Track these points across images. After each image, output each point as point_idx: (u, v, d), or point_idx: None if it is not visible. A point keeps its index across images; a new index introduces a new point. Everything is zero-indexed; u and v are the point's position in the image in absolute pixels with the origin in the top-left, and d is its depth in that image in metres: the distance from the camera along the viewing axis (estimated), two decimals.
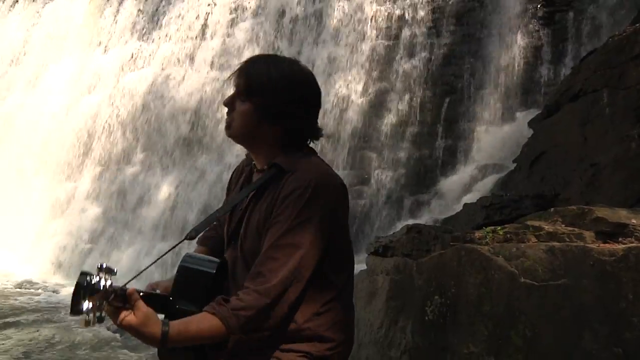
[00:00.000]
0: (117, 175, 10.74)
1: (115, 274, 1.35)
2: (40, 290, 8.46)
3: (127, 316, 1.36)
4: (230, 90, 1.69)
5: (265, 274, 1.46)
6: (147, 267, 1.58)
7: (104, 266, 1.35)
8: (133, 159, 10.80)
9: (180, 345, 1.44)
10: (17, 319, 6.67)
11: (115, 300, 1.36)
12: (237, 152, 9.39)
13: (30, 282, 8.82)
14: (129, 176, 10.56)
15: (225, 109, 1.68)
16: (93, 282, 1.32)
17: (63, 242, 10.06)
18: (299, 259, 1.47)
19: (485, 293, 3.01)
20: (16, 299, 7.76)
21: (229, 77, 1.68)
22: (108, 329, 6.29)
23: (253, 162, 1.72)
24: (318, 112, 1.68)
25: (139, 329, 1.37)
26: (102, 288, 1.32)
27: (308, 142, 1.68)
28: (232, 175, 1.87)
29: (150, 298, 1.47)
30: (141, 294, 1.42)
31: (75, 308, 1.31)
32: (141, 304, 1.38)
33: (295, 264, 1.47)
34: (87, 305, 1.31)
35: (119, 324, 1.37)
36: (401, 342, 3.47)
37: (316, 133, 1.67)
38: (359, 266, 3.94)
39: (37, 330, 6.21)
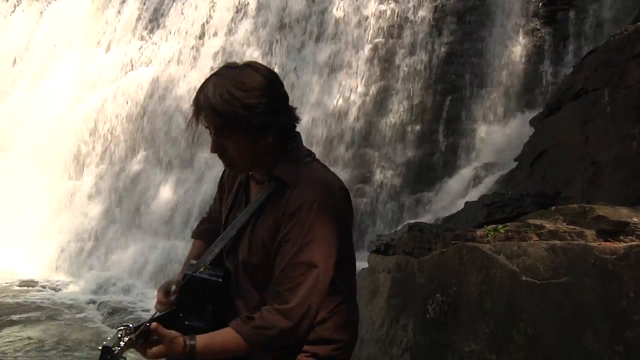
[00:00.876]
0: (119, 173, 10.76)
1: (133, 331, 1.38)
2: (42, 289, 8.48)
3: (155, 348, 1.43)
4: None
5: (285, 295, 1.49)
6: (150, 319, 1.56)
7: (122, 329, 1.39)
8: (135, 158, 10.82)
9: (207, 358, 1.49)
10: (19, 317, 6.69)
11: (142, 342, 1.41)
12: None
13: (32, 281, 8.85)
14: (131, 175, 10.58)
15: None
16: (115, 353, 1.34)
17: (65, 240, 10.08)
18: (316, 277, 1.50)
19: (486, 291, 3.02)
20: (18, 297, 7.78)
21: (189, 122, 1.61)
22: (112, 327, 6.33)
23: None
24: (287, 101, 1.61)
25: (170, 353, 1.45)
26: (122, 347, 1.35)
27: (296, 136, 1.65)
28: (223, 174, 1.84)
29: (161, 318, 1.52)
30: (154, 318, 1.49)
31: None
32: (165, 332, 1.44)
33: (312, 283, 1.50)
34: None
35: (150, 356, 1.45)
36: (403, 340, 3.48)
37: (296, 119, 1.63)
38: (361, 264, 3.95)
39: (39, 329, 6.24)
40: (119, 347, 1.34)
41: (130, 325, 1.39)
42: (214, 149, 1.60)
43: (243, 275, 1.63)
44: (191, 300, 1.56)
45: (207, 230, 1.87)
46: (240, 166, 1.63)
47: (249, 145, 1.55)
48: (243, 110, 1.49)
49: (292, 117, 1.61)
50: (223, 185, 1.83)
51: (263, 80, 1.54)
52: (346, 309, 1.64)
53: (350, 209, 1.63)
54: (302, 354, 1.57)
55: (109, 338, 1.37)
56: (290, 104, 1.63)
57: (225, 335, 1.49)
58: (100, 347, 1.35)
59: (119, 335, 1.36)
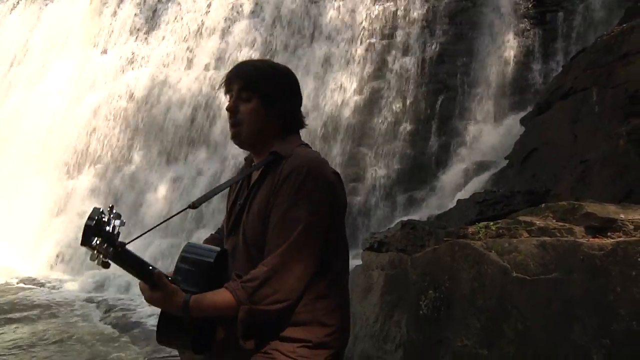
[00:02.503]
0: (117, 173, 10.77)
1: (123, 224, 1.42)
2: (40, 287, 8.48)
3: (154, 292, 1.52)
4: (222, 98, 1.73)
5: (272, 250, 1.55)
6: (154, 227, 1.70)
7: (114, 211, 1.42)
8: (132, 157, 10.83)
9: (200, 315, 1.54)
10: (19, 314, 6.69)
11: (128, 267, 1.47)
12: (234, 149, 9.43)
13: (31, 279, 8.85)
14: (128, 174, 10.60)
15: (224, 111, 1.73)
16: (104, 221, 1.38)
17: (64, 238, 10.07)
18: (302, 231, 1.53)
19: (478, 287, 3.07)
20: (18, 295, 7.77)
21: (217, 88, 1.78)
22: (115, 326, 6.35)
23: (253, 163, 1.77)
24: (301, 101, 1.78)
25: (167, 300, 1.52)
26: (110, 231, 1.39)
27: (299, 132, 1.76)
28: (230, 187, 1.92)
29: None
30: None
31: (85, 239, 1.37)
32: (166, 281, 1.53)
33: (297, 236, 1.53)
34: (95, 241, 1.37)
35: (147, 298, 1.54)
36: (396, 335, 3.52)
37: (303, 121, 1.77)
38: (355, 262, 3.99)
39: (39, 326, 6.24)
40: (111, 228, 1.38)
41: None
42: (230, 107, 1.69)
43: (241, 252, 1.66)
44: (185, 276, 1.61)
45: (216, 238, 1.94)
46: (245, 132, 1.69)
47: (262, 115, 1.67)
48: (272, 83, 1.68)
49: (301, 116, 1.76)
50: (229, 192, 1.90)
51: (292, 76, 1.76)
52: (338, 291, 1.67)
53: (342, 190, 1.67)
54: (293, 344, 1.57)
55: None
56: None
57: (217, 293, 1.54)
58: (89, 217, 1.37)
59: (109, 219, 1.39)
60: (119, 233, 1.40)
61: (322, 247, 1.58)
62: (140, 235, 1.62)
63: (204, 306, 1.53)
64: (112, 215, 1.40)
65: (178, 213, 1.76)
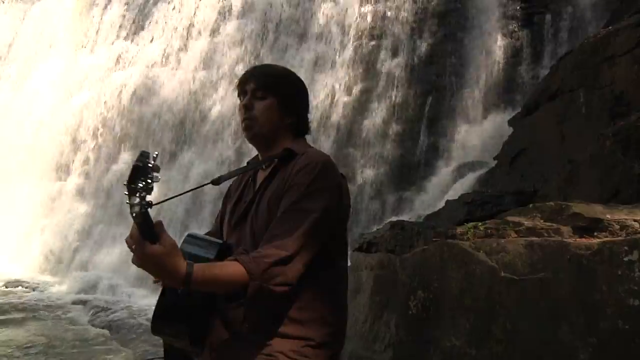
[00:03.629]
0: (105, 173, 10.70)
1: (158, 179, 1.31)
2: (28, 289, 8.42)
3: (153, 246, 1.33)
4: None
5: (280, 235, 1.51)
6: (171, 198, 1.63)
7: (157, 161, 1.32)
8: (120, 158, 10.76)
9: (202, 287, 1.42)
10: (5, 317, 6.65)
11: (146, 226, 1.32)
12: (222, 150, 9.41)
13: (18, 281, 8.77)
14: (116, 174, 10.52)
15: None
16: (150, 167, 1.29)
17: (51, 240, 10.00)
18: (313, 222, 1.53)
19: (466, 287, 3.08)
20: (4, 298, 7.71)
21: (234, 89, 1.79)
22: (103, 327, 6.30)
23: (259, 167, 1.78)
24: (309, 107, 1.83)
25: (165, 258, 1.33)
26: (150, 182, 1.29)
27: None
28: (230, 186, 1.91)
29: None
30: None
31: (133, 180, 1.27)
32: (167, 236, 1.35)
33: (309, 227, 1.52)
34: (140, 183, 1.28)
35: (144, 252, 1.33)
36: (385, 336, 3.53)
37: (309, 126, 1.83)
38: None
39: (25, 329, 6.19)
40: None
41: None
42: (246, 103, 1.70)
43: (247, 243, 1.65)
44: None
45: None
46: (258, 126, 1.70)
47: (275, 114, 1.71)
48: (287, 85, 1.74)
49: (308, 121, 1.81)
50: (229, 195, 1.90)
51: (303, 81, 1.81)
52: (343, 290, 1.68)
53: (347, 192, 1.70)
54: (298, 342, 1.54)
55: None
56: None
57: (225, 264, 1.46)
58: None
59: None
60: (152, 188, 1.29)
61: (328, 243, 1.58)
62: (166, 200, 1.56)
63: (209, 276, 1.41)
64: (154, 165, 1.30)
65: (202, 186, 1.77)
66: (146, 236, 1.33)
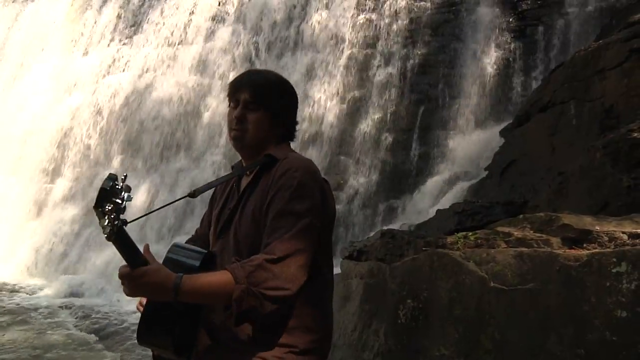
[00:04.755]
0: (95, 177, 10.63)
1: (130, 199, 1.35)
2: (14, 293, 8.32)
3: (140, 268, 1.40)
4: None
5: (271, 242, 1.52)
6: (153, 212, 1.71)
7: (126, 182, 1.36)
8: (111, 162, 10.71)
9: (191, 299, 1.45)
10: None
11: (123, 245, 1.37)
12: (214, 156, 9.39)
13: (4, 284, 8.68)
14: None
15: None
16: (117, 188, 1.32)
17: (39, 243, 9.91)
18: (303, 226, 1.54)
19: (456, 297, 3.08)
20: None
21: (227, 96, 1.77)
22: (90, 332, 6.23)
23: (244, 172, 1.77)
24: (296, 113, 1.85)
25: (156, 274, 1.41)
26: (120, 202, 1.32)
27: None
28: (215, 190, 1.92)
29: None
30: None
31: (99, 203, 1.31)
32: (153, 258, 1.45)
33: (298, 231, 1.53)
34: (108, 206, 1.31)
35: (135, 274, 1.40)
36: (374, 344, 3.52)
37: (295, 132, 1.84)
38: (334, 270, 3.98)
39: (11, 332, 6.12)
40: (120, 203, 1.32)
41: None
42: (239, 115, 1.71)
43: (230, 252, 1.65)
44: None
45: (193, 242, 1.92)
46: (249, 138, 1.71)
47: (266, 124, 1.72)
48: (279, 98, 1.74)
49: (294, 128, 1.82)
50: (215, 199, 1.91)
51: (293, 88, 1.83)
52: (327, 298, 1.68)
53: (332, 197, 1.70)
54: (281, 349, 1.54)
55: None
56: None
57: (212, 274, 1.49)
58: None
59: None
60: (125, 207, 1.34)
61: (315, 248, 1.57)
62: (143, 216, 1.60)
63: (198, 285, 1.44)
64: (123, 186, 1.34)
65: (178, 200, 1.80)
66: (131, 261, 1.39)
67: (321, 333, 1.63)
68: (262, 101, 1.71)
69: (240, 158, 1.81)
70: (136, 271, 1.39)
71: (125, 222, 1.34)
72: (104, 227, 1.32)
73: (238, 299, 1.44)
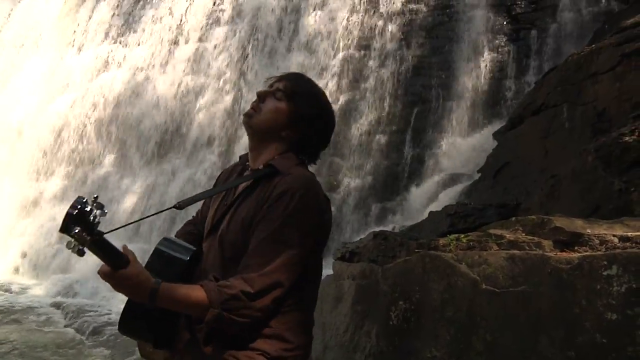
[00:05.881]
0: (88, 176, 10.58)
1: (105, 214, 1.40)
2: (4, 292, 8.26)
3: (121, 271, 1.43)
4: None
5: (252, 267, 1.52)
6: (131, 224, 1.71)
7: (98, 201, 1.40)
8: (104, 161, 10.67)
9: (165, 306, 1.49)
10: None
11: (103, 256, 1.41)
12: (207, 155, 9.36)
13: None
14: (99, 177, 10.42)
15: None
16: (86, 210, 1.36)
17: (30, 242, 9.85)
18: (288, 257, 1.53)
19: (448, 299, 3.09)
20: None
21: (268, 79, 1.76)
22: (80, 331, 6.20)
23: (247, 163, 1.76)
24: (327, 144, 1.79)
25: (134, 278, 1.44)
26: (91, 220, 1.36)
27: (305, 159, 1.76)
28: (219, 175, 1.92)
29: None
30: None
31: (65, 227, 1.34)
32: (136, 260, 1.46)
33: (283, 262, 1.52)
34: (76, 229, 1.34)
35: (115, 275, 1.43)
36: (366, 346, 3.52)
37: (316, 157, 1.78)
38: (326, 271, 3.98)
39: (3, 331, 6.07)
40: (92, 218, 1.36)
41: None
42: (261, 93, 1.70)
43: (215, 254, 1.65)
44: (157, 270, 1.57)
45: (190, 233, 1.90)
46: (257, 120, 1.68)
47: (282, 118, 1.67)
48: (312, 106, 1.70)
49: (316, 153, 1.76)
50: (217, 185, 1.89)
51: (334, 121, 1.80)
52: (304, 309, 1.66)
53: (330, 215, 1.67)
54: (252, 351, 1.55)
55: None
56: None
57: (190, 288, 1.50)
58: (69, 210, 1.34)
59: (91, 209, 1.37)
60: (99, 222, 1.38)
61: (297, 275, 1.57)
62: (121, 227, 1.61)
63: (174, 296, 1.48)
64: (94, 205, 1.38)
65: (162, 211, 1.78)
66: (114, 264, 1.44)
67: (296, 344, 1.61)
68: (290, 95, 1.67)
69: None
70: (117, 273, 1.43)
71: (102, 233, 1.39)
72: (72, 248, 1.36)
73: (210, 322, 1.49)
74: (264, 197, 1.58)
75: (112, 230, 1.47)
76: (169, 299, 1.47)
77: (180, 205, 1.59)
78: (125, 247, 1.48)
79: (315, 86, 1.76)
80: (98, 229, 1.38)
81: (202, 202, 1.91)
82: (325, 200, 1.64)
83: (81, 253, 1.38)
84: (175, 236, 1.90)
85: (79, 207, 1.35)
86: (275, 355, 1.56)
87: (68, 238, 1.35)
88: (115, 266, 1.44)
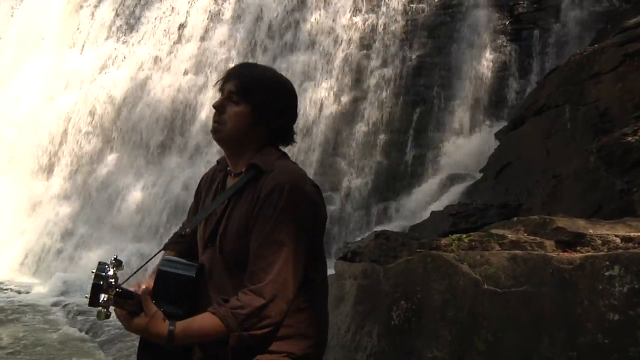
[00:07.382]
0: (89, 175, 10.60)
1: (122, 268, 1.43)
2: (6, 291, 8.27)
3: (136, 319, 1.46)
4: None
5: (258, 273, 1.52)
6: (136, 271, 1.64)
7: (116, 259, 1.43)
8: (105, 160, 10.67)
9: (183, 344, 1.51)
10: None
11: (125, 304, 1.44)
12: (209, 155, 9.37)
13: None
14: (101, 176, 10.43)
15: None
16: (109, 275, 1.39)
17: (33, 241, 9.86)
18: (288, 255, 1.53)
19: (449, 299, 3.08)
20: None
21: (215, 83, 1.73)
22: (82, 330, 6.20)
23: (228, 168, 1.75)
24: (295, 118, 1.76)
25: (148, 329, 1.47)
26: (113, 282, 1.40)
27: (283, 146, 1.75)
28: (200, 181, 1.89)
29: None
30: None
31: (94, 300, 1.39)
32: (151, 305, 1.48)
33: (284, 261, 1.52)
34: (103, 297, 1.39)
35: (129, 326, 1.48)
36: (367, 345, 3.52)
37: (293, 137, 1.75)
38: (328, 271, 3.97)
39: (2, 331, 6.07)
40: (112, 281, 1.39)
41: (116, 282, 1.42)
42: (218, 105, 1.67)
43: (218, 266, 1.64)
44: (163, 291, 1.59)
45: (180, 242, 1.88)
46: (226, 131, 1.66)
47: (247, 121, 1.65)
48: (266, 94, 1.65)
49: (290, 133, 1.74)
50: (200, 192, 1.87)
51: (292, 91, 1.73)
52: (319, 303, 1.67)
53: (322, 204, 1.67)
54: (277, 355, 1.56)
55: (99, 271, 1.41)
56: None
57: (204, 319, 1.50)
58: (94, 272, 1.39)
59: (109, 273, 1.40)
60: (118, 278, 1.42)
61: (305, 263, 1.57)
62: (134, 273, 1.60)
63: (191, 333, 1.49)
64: (113, 266, 1.41)
65: (153, 257, 1.73)
66: (130, 313, 1.47)
67: (317, 337, 1.63)
68: (245, 94, 1.64)
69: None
70: (133, 322, 1.47)
71: (120, 286, 1.43)
72: (102, 316, 1.42)
73: (234, 347, 1.50)
74: (254, 199, 1.58)
75: (126, 280, 1.49)
76: (186, 337, 1.49)
77: (185, 228, 1.65)
78: (139, 288, 1.51)
79: (262, 70, 1.71)
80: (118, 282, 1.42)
81: (189, 208, 1.93)
82: (313, 189, 1.63)
83: (109, 316, 1.43)
84: (164, 247, 1.87)
85: (103, 274, 1.39)
86: (300, 354, 1.58)
87: (98, 309, 1.40)
88: (131, 314, 1.47)
